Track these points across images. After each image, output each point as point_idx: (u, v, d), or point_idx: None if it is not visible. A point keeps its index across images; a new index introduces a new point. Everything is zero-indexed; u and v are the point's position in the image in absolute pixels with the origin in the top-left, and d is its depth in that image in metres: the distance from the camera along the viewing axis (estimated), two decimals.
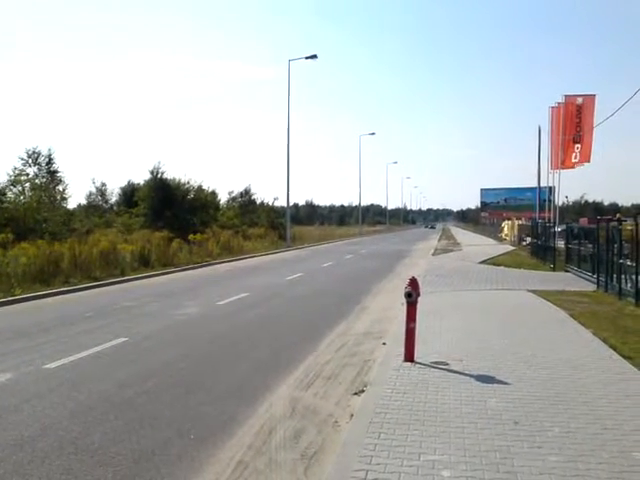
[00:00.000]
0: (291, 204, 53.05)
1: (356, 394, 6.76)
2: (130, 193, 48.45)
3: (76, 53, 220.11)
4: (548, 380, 6.66)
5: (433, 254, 32.61)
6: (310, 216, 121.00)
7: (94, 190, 57.57)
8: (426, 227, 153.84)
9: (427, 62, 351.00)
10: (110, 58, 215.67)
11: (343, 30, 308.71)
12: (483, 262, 25.43)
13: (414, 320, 7.60)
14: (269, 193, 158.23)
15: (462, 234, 75.28)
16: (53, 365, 8.03)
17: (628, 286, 13.38)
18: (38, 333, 10.41)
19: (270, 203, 58.06)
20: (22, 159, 31.79)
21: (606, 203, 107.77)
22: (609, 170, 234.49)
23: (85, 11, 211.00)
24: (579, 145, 27.93)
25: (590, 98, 27.96)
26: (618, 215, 25.00)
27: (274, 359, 8.67)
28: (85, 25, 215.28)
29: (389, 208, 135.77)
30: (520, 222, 47.33)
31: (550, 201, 33.71)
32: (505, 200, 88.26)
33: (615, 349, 8.14)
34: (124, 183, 55.14)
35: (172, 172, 42.13)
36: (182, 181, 41.70)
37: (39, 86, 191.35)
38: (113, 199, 57.31)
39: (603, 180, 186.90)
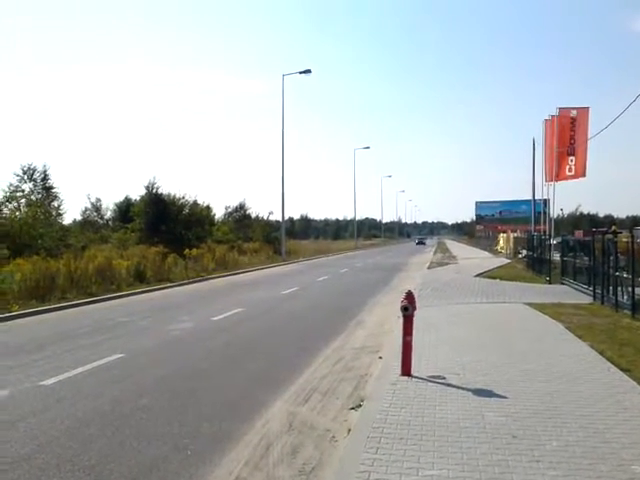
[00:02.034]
0: (286, 218, 53.24)
1: (353, 409, 6.74)
2: (125, 208, 48.59)
3: (70, 68, 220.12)
4: (546, 393, 6.65)
5: (429, 267, 32.62)
6: (305, 230, 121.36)
7: (89, 206, 57.89)
8: (416, 243, 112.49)
9: (422, 75, 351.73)
10: (104, 72, 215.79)
11: (337, 42, 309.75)
12: (479, 275, 25.41)
13: (411, 334, 7.59)
14: (264, 207, 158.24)
15: (457, 247, 75.33)
16: (49, 382, 7.99)
17: (624, 298, 13.37)
18: (34, 349, 10.36)
19: (265, 217, 58.32)
20: (17, 175, 31.92)
21: (601, 215, 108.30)
22: (604, 182, 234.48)
23: (72, 25, 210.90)
24: (573, 157, 28.09)
25: (584, 110, 28.16)
26: (613, 227, 24.92)
27: (270, 374, 8.66)
28: (75, 39, 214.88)
29: (384, 222, 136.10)
30: (516, 235, 47.43)
31: (545, 213, 33.81)
32: (500, 213, 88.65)
33: (612, 362, 8.13)
34: (119, 198, 55.36)
35: (167, 187, 42.58)
36: (177, 196, 41.80)
37: (33, 101, 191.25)
38: (108, 214, 57.56)
39: (598, 192, 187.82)
